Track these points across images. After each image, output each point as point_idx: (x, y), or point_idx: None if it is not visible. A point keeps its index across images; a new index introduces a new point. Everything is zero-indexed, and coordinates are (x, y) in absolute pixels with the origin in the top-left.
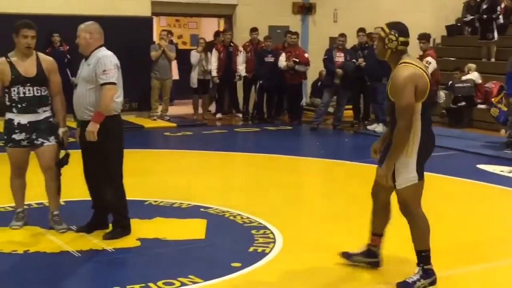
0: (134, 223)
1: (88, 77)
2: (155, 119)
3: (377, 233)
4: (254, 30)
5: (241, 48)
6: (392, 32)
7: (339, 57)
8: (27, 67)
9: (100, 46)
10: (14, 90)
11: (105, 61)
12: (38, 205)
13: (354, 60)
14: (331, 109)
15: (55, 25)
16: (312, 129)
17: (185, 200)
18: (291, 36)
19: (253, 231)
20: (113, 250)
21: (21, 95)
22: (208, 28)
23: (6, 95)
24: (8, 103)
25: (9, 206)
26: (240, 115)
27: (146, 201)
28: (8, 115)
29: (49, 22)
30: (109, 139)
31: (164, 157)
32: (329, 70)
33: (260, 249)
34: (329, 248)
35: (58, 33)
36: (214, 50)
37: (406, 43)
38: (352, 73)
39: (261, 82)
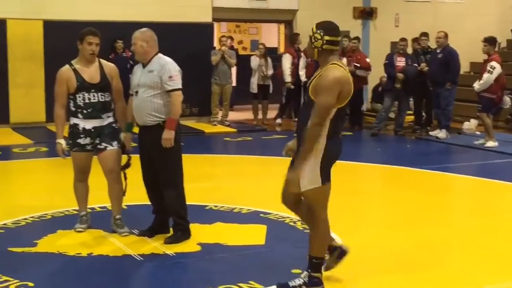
0: (195, 227)
1: (152, 84)
2: (215, 124)
3: None
4: None
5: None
6: (318, 31)
7: (400, 62)
8: (91, 74)
9: (157, 53)
10: (79, 96)
11: (170, 68)
12: (101, 209)
13: (415, 65)
14: (392, 115)
15: (118, 31)
16: (373, 135)
17: (245, 205)
18: (350, 41)
19: None
20: (174, 254)
21: (86, 101)
22: (268, 33)
23: (71, 101)
24: (73, 109)
25: (73, 209)
26: None
27: (206, 206)
28: (74, 120)
29: (112, 28)
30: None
31: (224, 162)
32: (390, 75)
33: None
34: (391, 256)
35: (121, 39)
36: (287, 55)
37: (332, 42)
38: (414, 78)
39: None
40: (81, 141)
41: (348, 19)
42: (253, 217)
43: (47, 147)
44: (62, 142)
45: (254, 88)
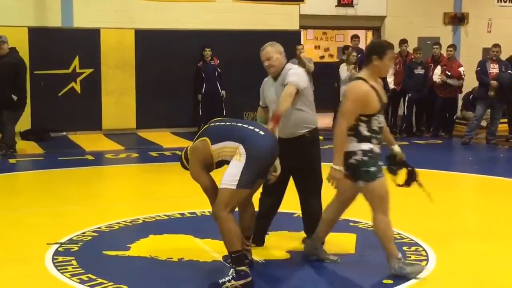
0: (283, 235)
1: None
2: None
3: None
4: (403, 42)
5: None
6: None
7: (493, 69)
8: (382, 93)
9: (286, 64)
10: (375, 120)
11: (293, 70)
12: (191, 214)
13: (510, 71)
14: (483, 123)
15: (206, 39)
16: (464, 144)
17: None
18: (441, 48)
19: (405, 248)
20: (264, 261)
21: (381, 124)
22: None
23: (364, 124)
24: (367, 134)
25: (164, 215)
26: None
27: (294, 213)
28: (368, 145)
29: (201, 36)
30: (317, 149)
31: None
32: (483, 82)
33: None
34: (486, 268)
35: (209, 47)
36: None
37: None
38: (508, 85)
39: (410, 94)
40: (381, 164)
41: (438, 25)
42: (342, 226)
43: (137, 153)
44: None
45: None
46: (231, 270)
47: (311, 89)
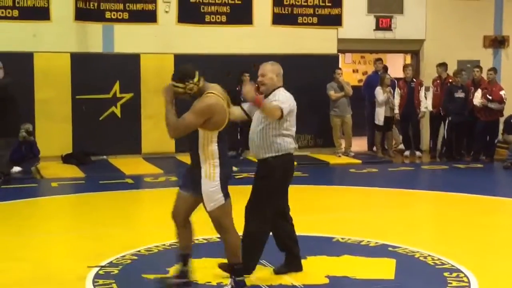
0: (322, 260)
1: (262, 117)
2: (339, 156)
3: (187, 254)
4: (441, 65)
5: (429, 84)
6: (187, 82)
7: None
8: None
9: (280, 87)
10: None
11: (280, 97)
12: None
13: None
14: None
15: (246, 64)
16: (506, 168)
17: (373, 238)
18: (481, 71)
19: (446, 274)
20: (302, 286)
21: None
22: (394, 64)
23: None
24: None
25: (202, 238)
26: (418, 152)
27: (333, 237)
28: None
29: (239, 61)
30: (261, 179)
31: (350, 193)
32: None
33: None
34: None
35: (248, 72)
36: (396, 87)
37: (200, 78)
38: None
39: (450, 118)
40: None
41: (478, 48)
42: (382, 251)
43: (176, 177)
44: None
45: (380, 120)
46: (230, 280)
47: (293, 116)
